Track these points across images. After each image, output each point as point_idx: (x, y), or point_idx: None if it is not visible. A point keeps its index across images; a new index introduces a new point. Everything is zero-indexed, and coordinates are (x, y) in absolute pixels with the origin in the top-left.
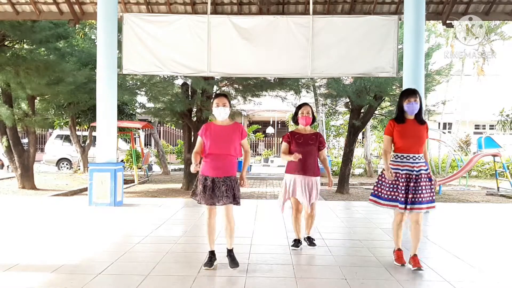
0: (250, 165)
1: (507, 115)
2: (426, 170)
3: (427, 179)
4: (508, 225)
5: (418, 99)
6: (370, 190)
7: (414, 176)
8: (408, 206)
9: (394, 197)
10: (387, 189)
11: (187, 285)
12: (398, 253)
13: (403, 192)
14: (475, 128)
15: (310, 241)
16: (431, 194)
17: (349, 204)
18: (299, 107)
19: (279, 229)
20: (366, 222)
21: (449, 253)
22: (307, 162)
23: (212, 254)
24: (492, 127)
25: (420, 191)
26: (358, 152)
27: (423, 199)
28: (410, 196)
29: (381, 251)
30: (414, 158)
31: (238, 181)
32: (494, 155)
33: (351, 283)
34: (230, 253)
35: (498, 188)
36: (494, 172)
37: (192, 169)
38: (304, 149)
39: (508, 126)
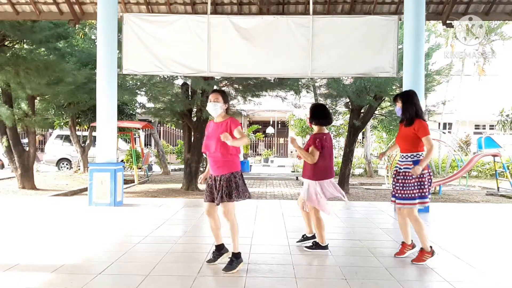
0: (251, 165)
1: (507, 115)
2: (412, 168)
3: (408, 177)
4: (508, 225)
5: (399, 102)
6: (370, 190)
7: (401, 173)
8: (393, 199)
9: (393, 193)
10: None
11: (187, 285)
12: (402, 246)
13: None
14: (475, 128)
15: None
16: (409, 192)
17: (349, 204)
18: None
19: (279, 229)
20: (366, 222)
21: (449, 253)
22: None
23: (215, 248)
24: (492, 127)
25: (400, 187)
26: (358, 152)
27: (400, 195)
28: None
29: (381, 251)
30: (402, 157)
31: (234, 178)
32: (494, 155)
33: (351, 283)
34: (230, 256)
35: (498, 188)
36: (494, 172)
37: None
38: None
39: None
